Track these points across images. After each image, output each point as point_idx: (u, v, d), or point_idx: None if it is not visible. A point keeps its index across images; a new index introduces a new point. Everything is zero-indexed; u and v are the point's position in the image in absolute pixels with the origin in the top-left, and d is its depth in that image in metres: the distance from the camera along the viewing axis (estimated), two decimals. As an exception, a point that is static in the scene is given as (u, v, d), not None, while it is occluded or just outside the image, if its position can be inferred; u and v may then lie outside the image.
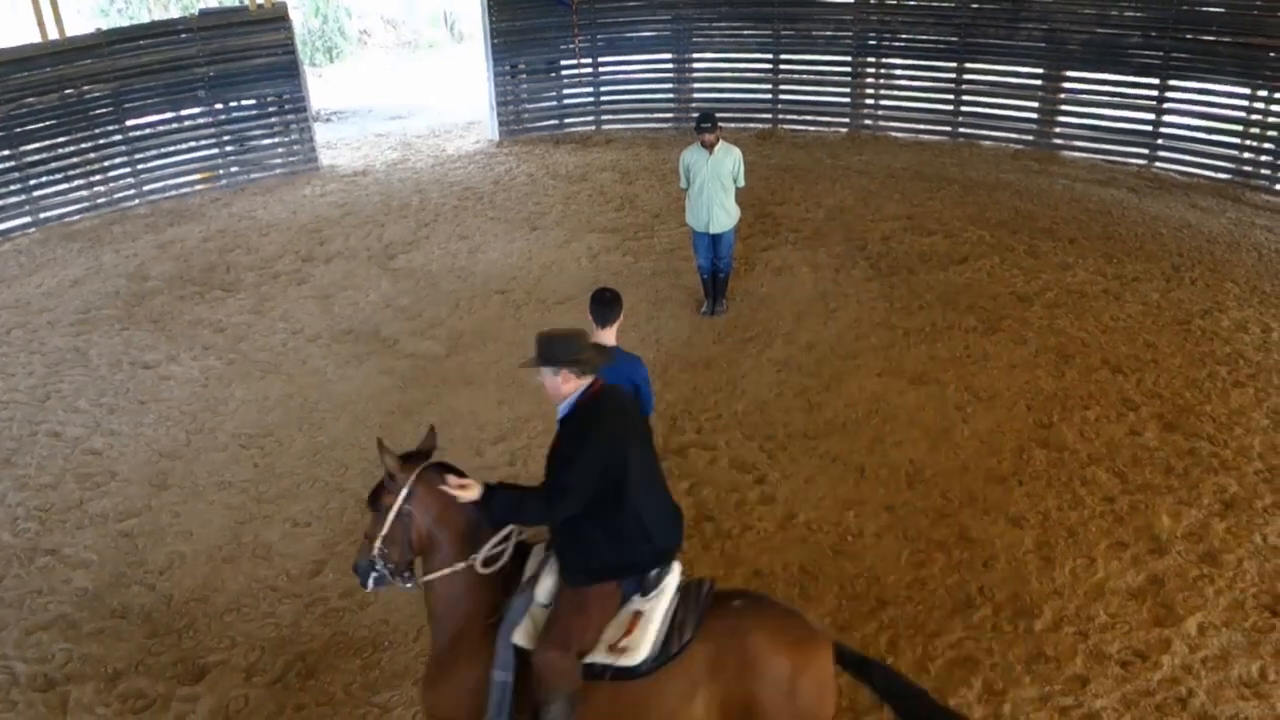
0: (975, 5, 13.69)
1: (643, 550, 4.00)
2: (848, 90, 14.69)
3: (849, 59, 14.48)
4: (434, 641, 4.25)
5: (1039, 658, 5.30)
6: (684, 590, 4.09)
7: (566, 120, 15.41)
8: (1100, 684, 5.11)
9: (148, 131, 12.90)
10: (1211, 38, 12.21)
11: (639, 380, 5.42)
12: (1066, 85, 13.45)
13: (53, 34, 12.00)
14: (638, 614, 3.98)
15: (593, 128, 15.36)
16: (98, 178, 12.58)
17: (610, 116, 15.39)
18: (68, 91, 12.15)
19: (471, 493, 3.97)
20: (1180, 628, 5.45)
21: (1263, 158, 12.12)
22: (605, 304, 5.44)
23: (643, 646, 3.90)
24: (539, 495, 3.97)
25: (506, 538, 4.14)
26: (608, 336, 5.46)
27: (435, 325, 9.31)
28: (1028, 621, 5.55)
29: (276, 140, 13.85)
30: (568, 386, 4.05)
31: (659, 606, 3.99)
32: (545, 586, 4.08)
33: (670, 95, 15.37)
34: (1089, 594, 5.73)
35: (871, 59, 14.50)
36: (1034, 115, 13.64)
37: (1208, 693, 5.03)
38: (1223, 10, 12.14)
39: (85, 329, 9.46)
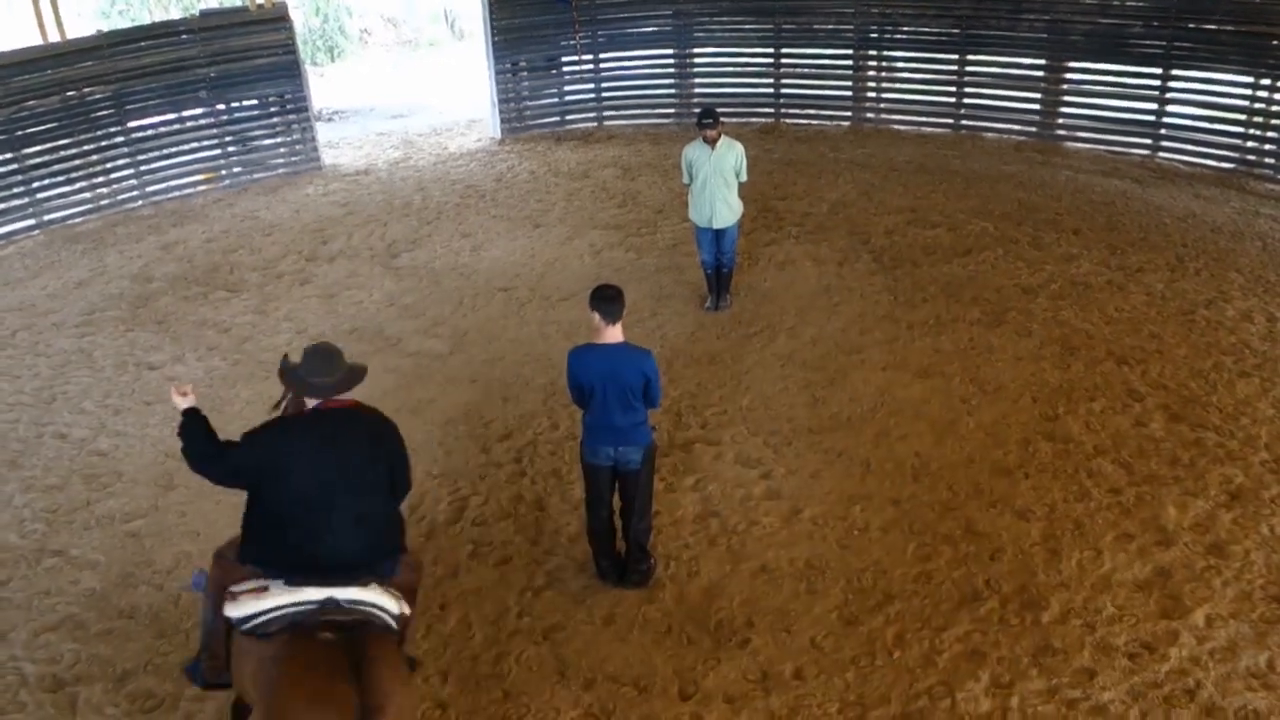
0: (976, -4, 13.67)
1: (272, 557, 4.15)
2: (849, 84, 14.68)
3: (850, 52, 14.48)
4: None
5: (1046, 650, 5.30)
6: (326, 605, 4.06)
7: (568, 117, 15.41)
8: (1108, 676, 5.11)
9: (150, 133, 12.90)
10: (1214, 26, 12.17)
11: (649, 373, 5.43)
12: (1069, 76, 13.43)
13: (54, 36, 12.01)
14: (265, 587, 4.10)
15: (594, 124, 15.36)
16: (100, 179, 12.59)
17: (612, 113, 15.39)
18: (69, 94, 12.15)
19: (179, 400, 4.44)
20: (1188, 619, 5.44)
21: (1267, 146, 12.11)
22: (608, 300, 5.43)
23: (241, 608, 4.08)
24: (204, 446, 4.32)
25: None
26: (614, 333, 5.46)
27: (439, 323, 9.32)
28: (1035, 614, 5.55)
29: (278, 140, 13.86)
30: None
31: (283, 597, 4.04)
32: None
33: (672, 91, 15.36)
34: (1096, 586, 5.73)
35: (873, 52, 14.49)
36: (1036, 106, 13.63)
37: (1215, 684, 5.03)
38: (1225, -1, 12.12)
39: (90, 330, 9.47)
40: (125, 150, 12.70)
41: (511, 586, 6.03)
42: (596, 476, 5.71)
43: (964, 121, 14.03)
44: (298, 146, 13.90)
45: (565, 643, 5.58)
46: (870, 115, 14.61)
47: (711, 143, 8.61)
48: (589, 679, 5.32)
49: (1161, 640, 5.31)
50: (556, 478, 7.00)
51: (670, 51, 15.19)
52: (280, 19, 13.22)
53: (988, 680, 5.13)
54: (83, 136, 12.36)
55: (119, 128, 12.60)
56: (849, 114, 14.70)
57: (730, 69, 15.55)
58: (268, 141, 13.79)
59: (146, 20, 18.47)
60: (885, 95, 14.72)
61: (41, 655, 5.65)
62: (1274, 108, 11.94)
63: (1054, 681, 5.10)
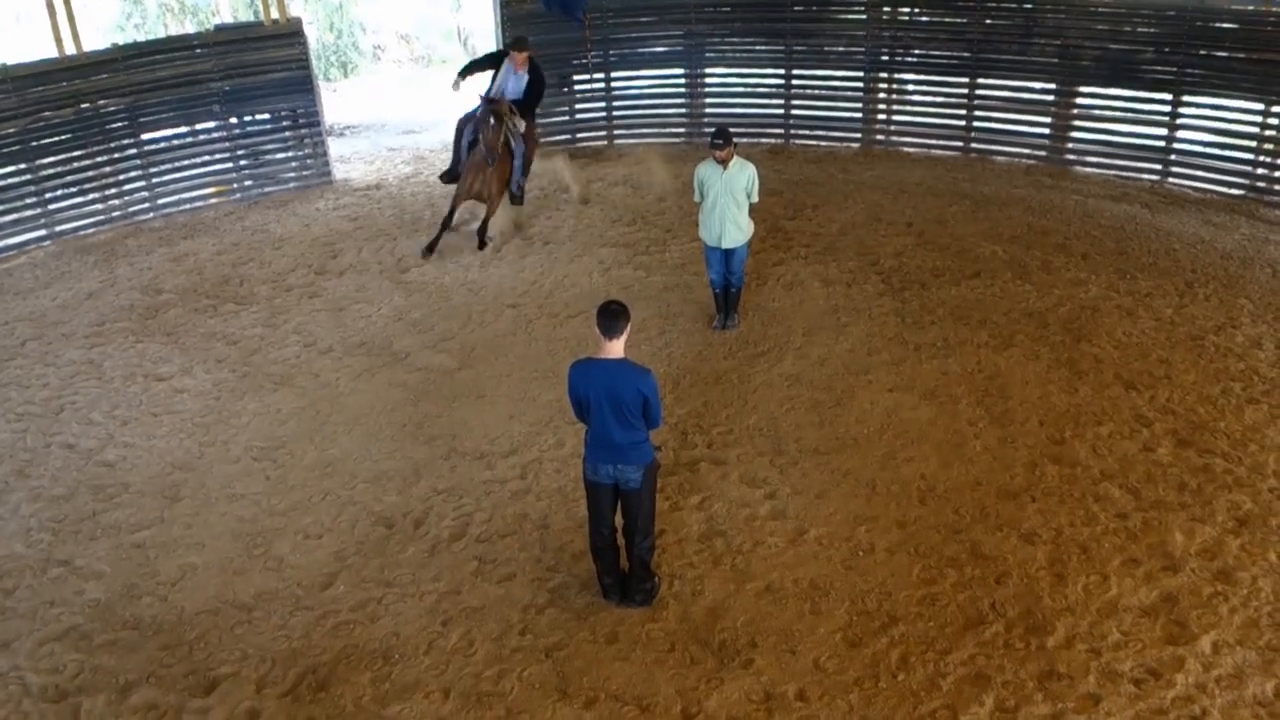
0: (988, 21, 13.71)
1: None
2: (860, 105, 14.71)
3: (861, 74, 14.51)
4: None
5: (1051, 675, 5.28)
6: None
7: (579, 135, 15.46)
8: (1113, 702, 5.08)
9: (162, 145, 12.95)
10: (1225, 53, 12.18)
11: (647, 392, 5.44)
12: (1079, 101, 13.44)
13: (70, 49, 12.11)
14: None
15: (605, 142, 15.41)
16: (112, 191, 12.63)
17: (622, 131, 15.43)
18: (84, 106, 12.22)
19: None
20: (1194, 646, 5.42)
21: (1276, 173, 12.08)
22: (611, 316, 5.47)
23: None
24: None
25: None
26: (613, 348, 5.48)
27: (447, 339, 9.34)
28: (1040, 638, 5.53)
29: (290, 154, 13.90)
30: None
31: None
32: None
33: (682, 110, 15.40)
34: (1102, 611, 5.71)
35: (884, 74, 14.52)
36: (1047, 131, 13.61)
37: (1222, 711, 5.00)
38: (1236, 26, 12.12)
39: (99, 341, 9.51)
40: (138, 162, 12.75)
41: (514, 603, 6.02)
42: (598, 494, 5.71)
43: (974, 145, 14.02)
44: (309, 161, 13.94)
45: (567, 661, 5.57)
46: (880, 137, 14.63)
47: (723, 163, 8.63)
48: (591, 698, 5.31)
49: (1167, 667, 5.29)
50: (561, 495, 7.00)
51: (681, 71, 15.22)
52: (294, 34, 13.30)
53: (992, 704, 5.11)
54: (96, 148, 12.41)
55: (132, 140, 12.65)
56: (859, 136, 14.72)
57: (741, 89, 15.59)
58: (279, 156, 13.83)
59: (161, 34, 18.62)
60: (895, 117, 14.74)
61: (45, 665, 5.66)
62: (1285, 134, 11.95)
63: (1059, 706, 5.08)
